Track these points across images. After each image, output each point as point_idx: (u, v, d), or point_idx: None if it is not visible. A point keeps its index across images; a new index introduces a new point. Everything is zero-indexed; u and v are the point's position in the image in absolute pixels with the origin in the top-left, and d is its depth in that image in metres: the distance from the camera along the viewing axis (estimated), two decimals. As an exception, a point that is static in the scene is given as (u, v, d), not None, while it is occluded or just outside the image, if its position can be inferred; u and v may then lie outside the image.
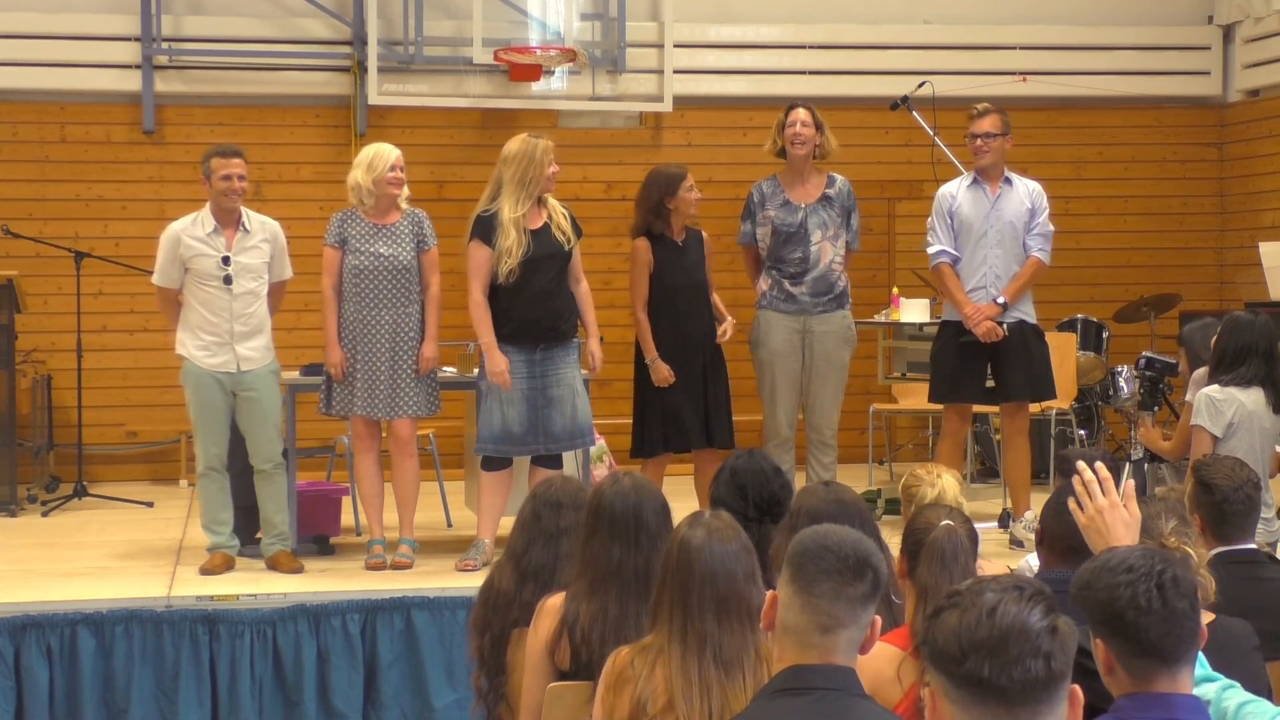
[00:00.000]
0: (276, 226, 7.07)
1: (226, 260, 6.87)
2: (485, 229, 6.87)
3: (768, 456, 4.35)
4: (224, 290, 6.88)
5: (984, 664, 2.21)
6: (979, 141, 7.41)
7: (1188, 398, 6.58)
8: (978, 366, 7.47)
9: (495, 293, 6.88)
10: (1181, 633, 2.69)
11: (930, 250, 7.51)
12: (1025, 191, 7.49)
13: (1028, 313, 7.49)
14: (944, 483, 4.46)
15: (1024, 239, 7.46)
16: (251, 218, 6.98)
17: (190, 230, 6.92)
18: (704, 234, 7.52)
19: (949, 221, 7.45)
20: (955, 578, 3.44)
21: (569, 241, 6.94)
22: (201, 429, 6.93)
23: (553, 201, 6.99)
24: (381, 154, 6.98)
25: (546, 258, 6.87)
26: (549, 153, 6.89)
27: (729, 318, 7.48)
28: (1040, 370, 7.52)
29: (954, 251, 7.44)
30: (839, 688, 2.69)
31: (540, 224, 6.90)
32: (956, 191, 7.50)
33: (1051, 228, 7.52)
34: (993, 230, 7.41)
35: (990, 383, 7.51)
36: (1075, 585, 2.76)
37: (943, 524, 3.52)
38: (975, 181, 7.48)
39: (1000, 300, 7.35)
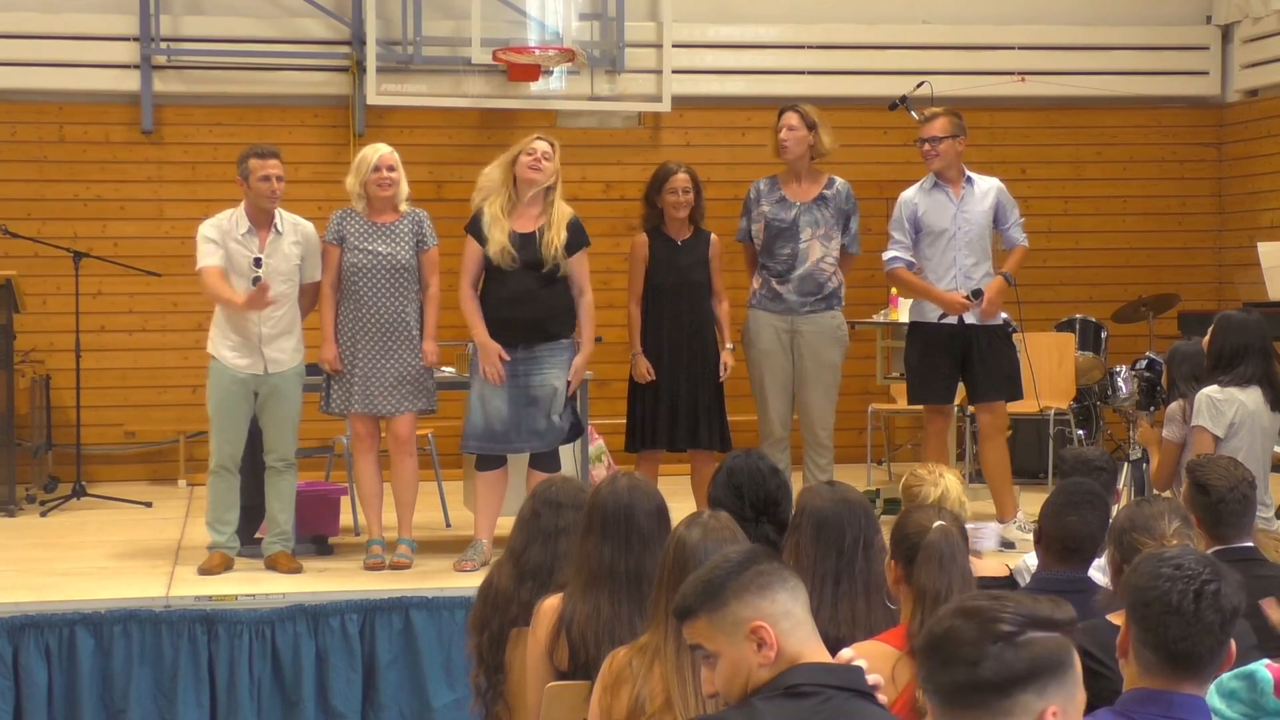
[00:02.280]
0: (309, 228, 7.04)
1: (258, 262, 6.84)
2: (474, 224, 6.93)
3: (765, 457, 4.33)
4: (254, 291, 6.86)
5: (924, 665, 2.33)
6: (925, 146, 7.41)
7: (1165, 434, 6.44)
8: (949, 367, 7.46)
9: (481, 288, 6.97)
10: (1200, 644, 2.69)
11: (885, 256, 7.48)
12: (987, 189, 7.49)
13: (1001, 314, 7.48)
14: (947, 482, 4.42)
15: (1006, 232, 7.51)
16: (284, 219, 6.94)
17: (224, 228, 6.89)
18: (714, 236, 7.46)
19: (907, 228, 7.44)
20: (954, 578, 3.43)
21: (554, 257, 6.83)
22: (218, 428, 6.90)
23: (561, 209, 6.91)
24: (367, 157, 6.97)
25: (523, 263, 6.83)
26: (529, 144, 6.85)
27: (729, 345, 7.44)
28: (1011, 370, 7.50)
29: (909, 257, 7.43)
30: (847, 687, 2.66)
31: (531, 229, 6.86)
32: (917, 197, 7.47)
33: (1022, 218, 7.65)
34: (961, 232, 7.40)
35: (961, 385, 7.51)
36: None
37: (936, 525, 3.49)
38: (936, 185, 7.46)
39: (1005, 274, 7.37)
